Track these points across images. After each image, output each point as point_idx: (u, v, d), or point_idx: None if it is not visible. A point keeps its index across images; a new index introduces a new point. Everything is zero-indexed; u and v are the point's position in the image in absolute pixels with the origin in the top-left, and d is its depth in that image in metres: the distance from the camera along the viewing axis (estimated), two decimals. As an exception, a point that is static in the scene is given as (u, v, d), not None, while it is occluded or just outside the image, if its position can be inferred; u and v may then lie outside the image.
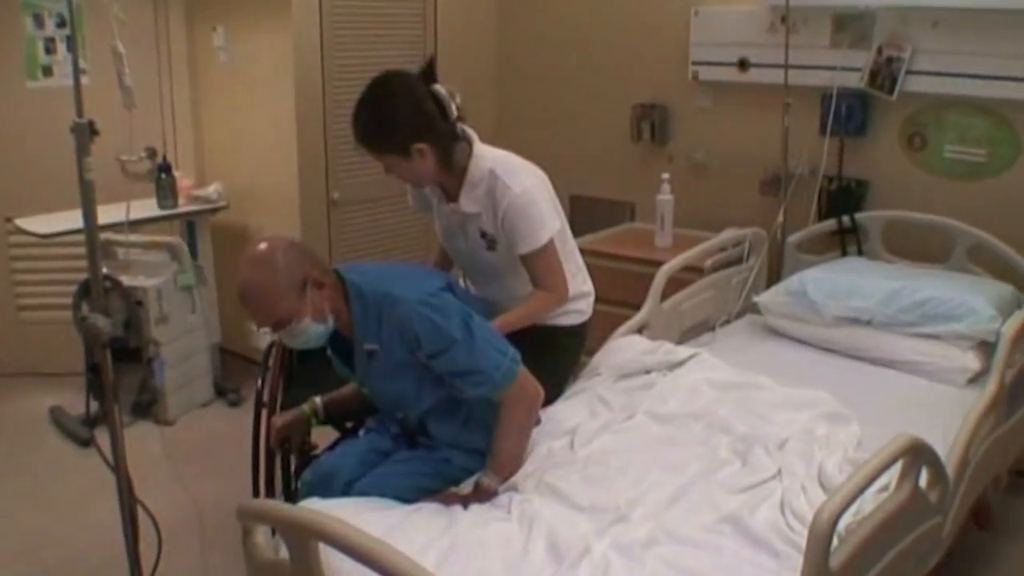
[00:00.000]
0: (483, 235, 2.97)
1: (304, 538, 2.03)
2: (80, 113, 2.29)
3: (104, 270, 2.45)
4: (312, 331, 2.57)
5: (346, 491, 2.68)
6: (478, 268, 3.15)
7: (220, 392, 5.10)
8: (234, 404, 4.96)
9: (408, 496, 2.63)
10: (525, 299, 2.99)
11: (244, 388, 4.98)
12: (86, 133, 2.28)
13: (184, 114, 5.40)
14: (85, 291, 2.45)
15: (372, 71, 4.86)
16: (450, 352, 2.54)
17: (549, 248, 2.91)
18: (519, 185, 2.87)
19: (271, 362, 3.59)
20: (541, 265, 2.92)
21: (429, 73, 2.83)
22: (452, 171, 2.89)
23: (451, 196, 2.95)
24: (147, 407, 4.78)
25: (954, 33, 3.89)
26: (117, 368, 2.53)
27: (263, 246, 2.53)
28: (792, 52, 4.13)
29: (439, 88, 2.82)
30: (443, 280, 2.74)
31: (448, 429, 2.76)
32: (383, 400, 2.85)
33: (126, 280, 4.36)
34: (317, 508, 2.36)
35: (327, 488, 2.69)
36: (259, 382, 3.54)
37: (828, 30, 4.19)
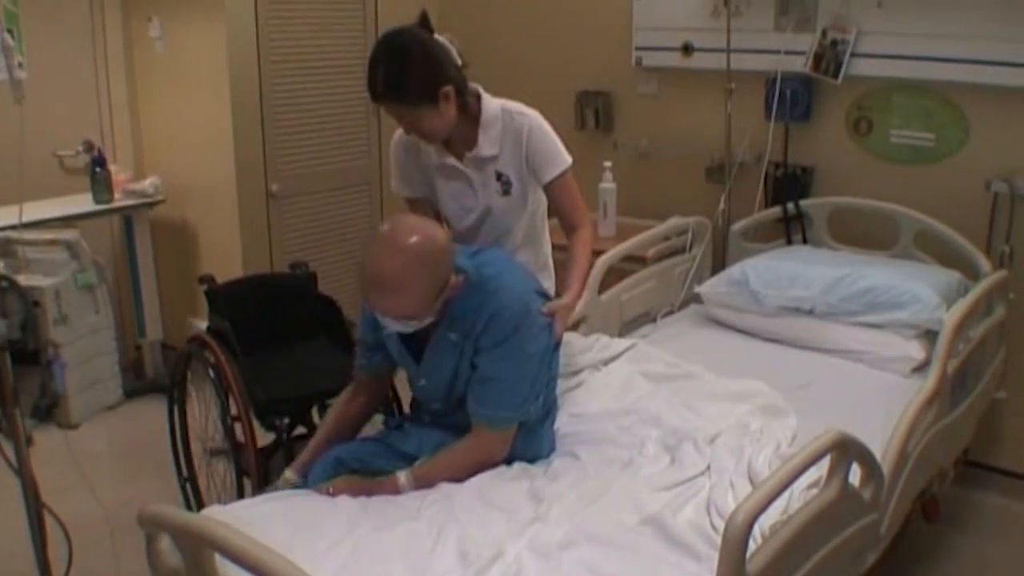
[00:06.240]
0: (499, 177, 2.98)
1: (197, 547, 1.93)
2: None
3: (2, 269, 2.35)
4: (421, 326, 2.47)
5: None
6: (487, 225, 3.07)
7: (161, 389, 4.97)
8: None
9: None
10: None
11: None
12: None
13: (121, 107, 5.26)
14: (-22, 292, 2.35)
15: (310, 60, 4.88)
16: (497, 351, 2.47)
17: (571, 175, 2.98)
18: (532, 111, 2.98)
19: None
20: (572, 194, 2.99)
21: (425, 25, 2.86)
22: (467, 116, 2.91)
23: (465, 146, 2.96)
24: (48, 411, 4.66)
25: (899, 14, 3.80)
26: (18, 371, 2.45)
27: (415, 240, 2.34)
28: (735, 36, 4.06)
29: (440, 37, 2.85)
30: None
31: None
32: (430, 391, 2.68)
33: (22, 280, 4.19)
34: (227, 514, 2.27)
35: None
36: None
37: (772, 13, 4.08)
